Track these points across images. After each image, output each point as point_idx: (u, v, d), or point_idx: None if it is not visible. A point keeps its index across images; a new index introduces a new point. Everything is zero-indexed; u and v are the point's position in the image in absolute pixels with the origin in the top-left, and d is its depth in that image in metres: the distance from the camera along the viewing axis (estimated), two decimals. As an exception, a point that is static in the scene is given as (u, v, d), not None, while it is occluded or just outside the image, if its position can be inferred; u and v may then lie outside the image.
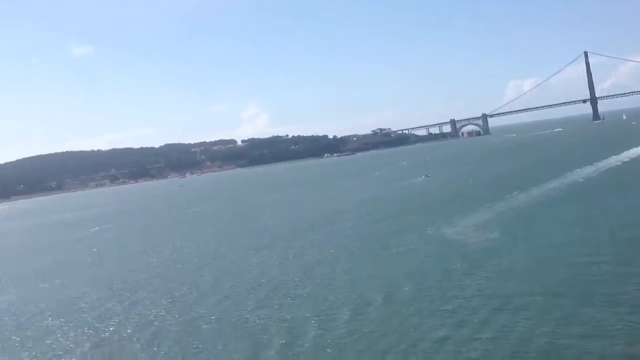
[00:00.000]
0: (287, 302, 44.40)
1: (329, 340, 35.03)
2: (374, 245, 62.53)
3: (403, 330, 35.36)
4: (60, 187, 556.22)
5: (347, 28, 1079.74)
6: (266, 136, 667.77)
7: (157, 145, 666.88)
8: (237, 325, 40.07)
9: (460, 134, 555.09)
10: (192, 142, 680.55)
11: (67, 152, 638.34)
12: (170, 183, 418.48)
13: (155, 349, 37.06)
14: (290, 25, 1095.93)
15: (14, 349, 41.02)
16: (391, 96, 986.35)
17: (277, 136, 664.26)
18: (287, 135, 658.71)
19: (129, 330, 41.85)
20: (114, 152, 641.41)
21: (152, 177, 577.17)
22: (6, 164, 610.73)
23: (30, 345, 41.41)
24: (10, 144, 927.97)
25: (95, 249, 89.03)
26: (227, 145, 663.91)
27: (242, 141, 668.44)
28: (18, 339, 43.37)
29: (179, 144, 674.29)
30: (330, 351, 33.48)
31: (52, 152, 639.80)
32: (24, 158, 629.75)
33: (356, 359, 32.24)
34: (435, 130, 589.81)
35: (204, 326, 40.73)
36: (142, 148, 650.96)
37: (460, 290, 41.79)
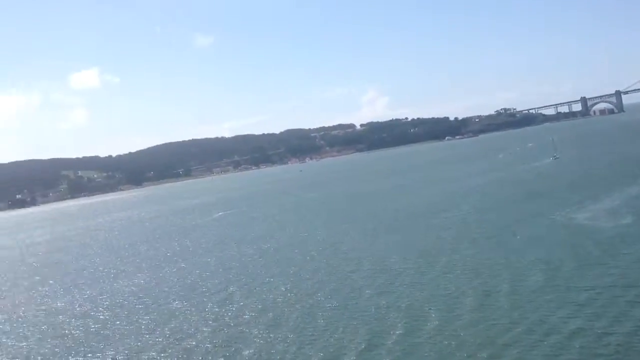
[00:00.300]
0: (405, 290, 43.07)
1: (447, 332, 33.40)
2: (496, 231, 59.67)
3: (529, 322, 33.13)
4: (187, 174, 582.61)
5: (468, 6, 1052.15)
6: (385, 119, 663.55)
7: (277, 131, 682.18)
8: (354, 313, 39.22)
9: (591, 113, 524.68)
10: (311, 128, 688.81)
11: (193, 139, 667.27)
12: (290, 168, 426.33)
13: (272, 335, 36.97)
14: (409, 8, 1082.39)
15: (140, 331, 42.37)
16: (516, 74, 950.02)
17: (396, 119, 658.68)
18: (406, 118, 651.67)
19: (246, 316, 42.12)
20: (236, 139, 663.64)
21: (273, 162, 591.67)
22: (138, 152, 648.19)
23: (155, 328, 42.65)
24: (142, 133, 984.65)
25: (217, 235, 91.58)
26: (346, 130, 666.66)
27: (361, 125, 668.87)
28: (144, 321, 44.84)
29: (299, 130, 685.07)
30: (449, 343, 31.86)
31: (179, 140, 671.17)
32: (153, 146, 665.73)
33: (477, 353, 30.35)
34: (564, 109, 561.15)
35: (320, 313, 40.21)
36: (263, 134, 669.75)
37: (591, 280, 38.77)
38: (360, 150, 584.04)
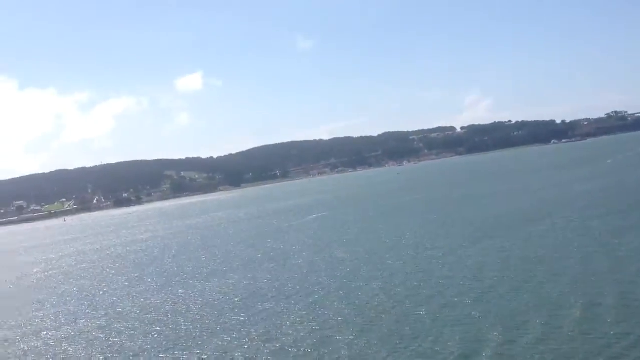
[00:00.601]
0: (502, 299, 40.43)
1: (546, 345, 30.87)
2: (602, 239, 55.71)
3: (635, 337, 30.13)
4: (284, 176, 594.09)
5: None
6: (487, 122, 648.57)
7: (375, 134, 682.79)
8: (446, 322, 37.11)
9: None
10: (410, 130, 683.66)
11: (291, 142, 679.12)
12: (388, 171, 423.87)
13: (358, 342, 35.36)
14: (512, 6, 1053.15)
15: (227, 331, 41.87)
16: (629, 75, 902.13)
17: (499, 122, 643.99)
18: (509, 121, 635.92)
19: (333, 321, 40.67)
20: (334, 141, 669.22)
21: (370, 165, 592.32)
22: (238, 153, 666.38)
23: (241, 329, 42.07)
24: (242, 135, 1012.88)
25: (311, 237, 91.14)
26: (446, 133, 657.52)
27: (462, 128, 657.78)
28: (232, 322, 44.38)
29: (397, 132, 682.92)
30: (547, 357, 29.37)
31: (278, 143, 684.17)
32: (253, 148, 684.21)
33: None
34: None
35: (411, 321, 38.28)
36: (361, 137, 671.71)
37: None
38: (460, 154, 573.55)
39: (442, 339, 34.05)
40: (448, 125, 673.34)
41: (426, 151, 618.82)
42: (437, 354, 31.96)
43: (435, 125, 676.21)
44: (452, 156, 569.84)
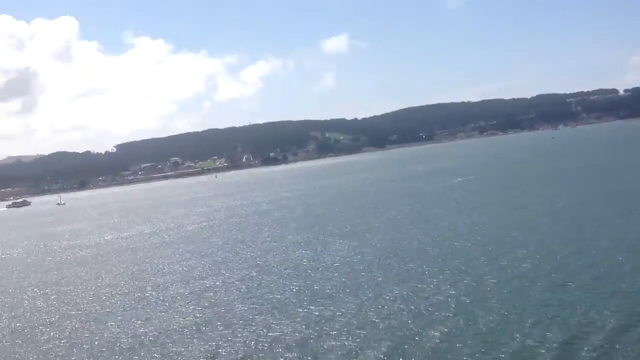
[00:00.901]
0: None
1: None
2: None
3: None
4: (429, 138, 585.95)
5: None
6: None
7: (528, 96, 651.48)
8: (603, 296, 33.89)
9: None
10: (567, 93, 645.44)
11: (438, 104, 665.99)
12: (541, 135, 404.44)
13: (508, 306, 33.32)
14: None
15: (361, 290, 41.23)
16: None
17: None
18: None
19: (473, 287, 38.77)
20: (483, 103, 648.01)
21: (522, 129, 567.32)
22: (382, 115, 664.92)
23: (376, 288, 41.23)
24: (387, 97, 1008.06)
25: (454, 200, 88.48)
26: (607, 95, 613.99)
27: (625, 90, 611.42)
28: (370, 281, 43.73)
29: (552, 95, 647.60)
30: None
31: (424, 104, 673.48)
32: (398, 110, 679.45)
33: None
34: None
35: (565, 291, 35.56)
36: (512, 99, 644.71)
37: None
38: (623, 118, 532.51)
39: (593, 311, 31.37)
40: (610, 87, 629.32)
41: (584, 115, 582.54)
42: (586, 327, 29.45)
43: (596, 88, 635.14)
44: (613, 120, 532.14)
